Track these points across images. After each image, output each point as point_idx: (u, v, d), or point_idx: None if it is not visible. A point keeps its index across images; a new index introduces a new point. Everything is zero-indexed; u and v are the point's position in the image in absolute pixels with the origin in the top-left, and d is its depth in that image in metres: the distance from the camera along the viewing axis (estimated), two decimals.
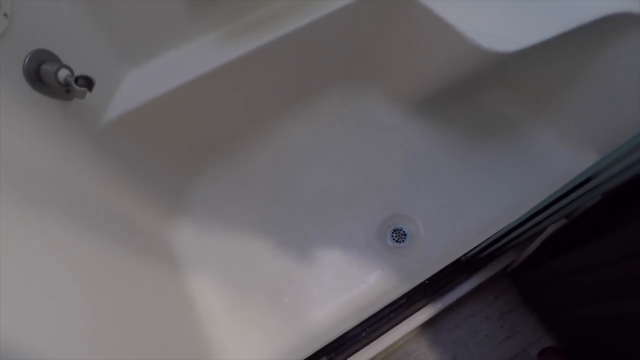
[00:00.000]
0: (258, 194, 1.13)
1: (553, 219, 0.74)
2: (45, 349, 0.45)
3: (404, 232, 1.07)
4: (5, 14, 0.57)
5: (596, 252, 0.70)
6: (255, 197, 1.12)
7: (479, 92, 1.14)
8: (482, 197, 1.07)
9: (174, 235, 1.06)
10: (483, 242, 0.84)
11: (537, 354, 0.95)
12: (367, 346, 0.89)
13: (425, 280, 0.91)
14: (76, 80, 0.64)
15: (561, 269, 0.80)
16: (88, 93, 0.66)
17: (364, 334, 0.88)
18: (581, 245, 0.73)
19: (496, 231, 0.81)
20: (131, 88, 0.84)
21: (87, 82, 0.66)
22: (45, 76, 0.63)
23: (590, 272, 0.72)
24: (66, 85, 0.63)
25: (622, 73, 0.86)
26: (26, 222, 0.53)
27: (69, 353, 0.48)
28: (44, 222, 0.57)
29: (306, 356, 0.84)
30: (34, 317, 0.46)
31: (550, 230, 0.76)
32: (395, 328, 0.90)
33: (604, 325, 0.76)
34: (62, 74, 0.63)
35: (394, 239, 1.06)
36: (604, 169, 0.55)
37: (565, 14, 0.80)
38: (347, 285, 1.01)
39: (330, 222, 1.09)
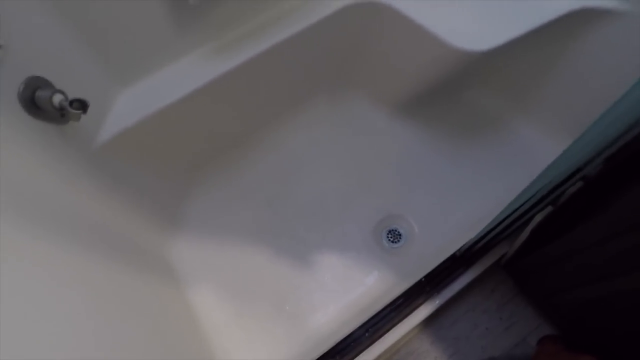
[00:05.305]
0: (254, 204, 1.15)
1: (539, 207, 0.77)
2: None
3: (398, 232, 1.09)
4: (0, 45, 0.59)
5: (582, 235, 0.72)
6: (251, 206, 1.14)
7: (461, 91, 1.18)
8: (472, 192, 1.10)
9: (174, 250, 1.07)
10: (475, 236, 0.87)
11: (537, 342, 0.97)
12: (371, 346, 0.90)
13: (422, 277, 0.93)
14: (71, 103, 0.66)
15: (551, 256, 0.83)
16: (83, 115, 0.69)
17: (366, 334, 0.89)
18: (568, 230, 0.75)
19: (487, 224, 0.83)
20: (123, 108, 0.86)
21: (82, 105, 0.68)
22: (41, 102, 0.65)
23: (578, 255, 0.75)
24: (61, 109, 0.65)
25: (591, 63, 0.91)
26: (27, 245, 0.54)
27: None
28: (44, 245, 0.58)
29: None
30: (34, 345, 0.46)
31: (538, 218, 0.79)
32: (396, 327, 0.91)
33: (596, 307, 0.79)
34: (57, 98, 0.65)
35: (389, 240, 1.08)
36: (578, 154, 0.58)
37: (533, 11, 0.84)
38: (347, 288, 1.03)
39: (327, 227, 1.11)
